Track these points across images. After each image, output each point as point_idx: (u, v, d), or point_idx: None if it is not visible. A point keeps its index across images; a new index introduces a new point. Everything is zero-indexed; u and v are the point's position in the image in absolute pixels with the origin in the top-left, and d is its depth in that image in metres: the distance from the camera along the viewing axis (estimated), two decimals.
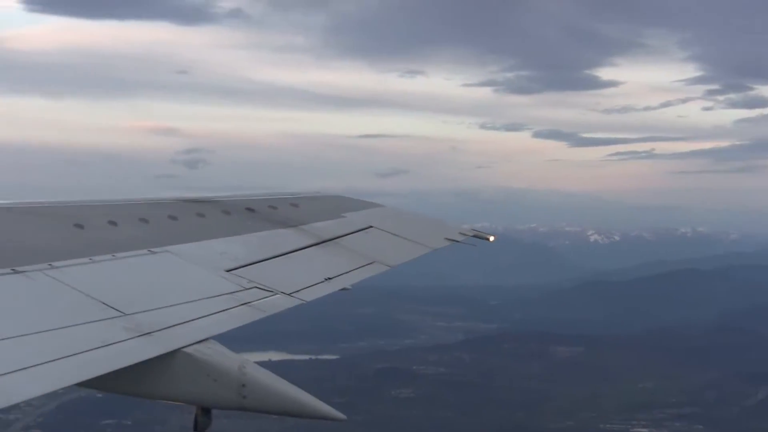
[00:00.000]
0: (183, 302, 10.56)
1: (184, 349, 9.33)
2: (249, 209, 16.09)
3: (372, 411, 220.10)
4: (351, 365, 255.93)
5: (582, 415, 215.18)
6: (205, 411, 9.94)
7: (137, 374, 8.98)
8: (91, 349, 8.32)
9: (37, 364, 7.60)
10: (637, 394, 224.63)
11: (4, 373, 7.27)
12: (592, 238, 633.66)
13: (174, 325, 9.75)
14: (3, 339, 7.81)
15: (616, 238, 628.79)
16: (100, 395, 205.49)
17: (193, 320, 10.10)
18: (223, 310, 10.82)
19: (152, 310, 9.92)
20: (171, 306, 10.31)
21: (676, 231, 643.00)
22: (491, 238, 20.92)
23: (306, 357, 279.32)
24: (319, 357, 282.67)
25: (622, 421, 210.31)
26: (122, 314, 9.40)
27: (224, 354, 9.78)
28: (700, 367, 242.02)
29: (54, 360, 7.78)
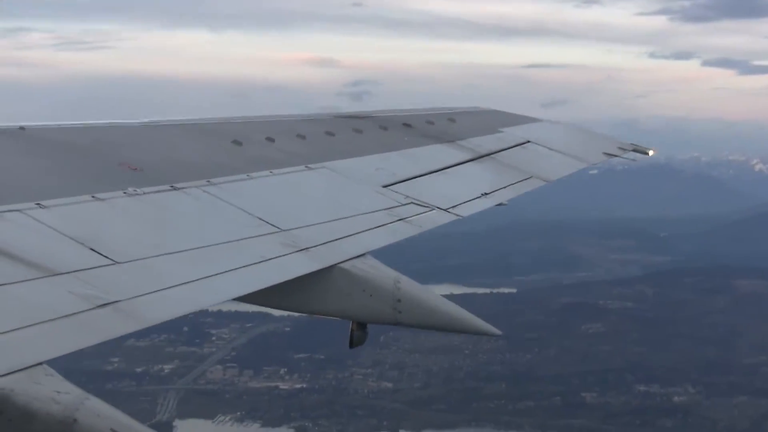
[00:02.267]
0: (340, 218, 10.69)
1: (341, 265, 9.57)
2: (406, 125, 16.11)
3: (563, 345, 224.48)
4: (532, 299, 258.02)
5: None
6: (361, 326, 10.40)
7: (294, 289, 9.29)
8: (250, 265, 8.59)
9: (197, 279, 7.90)
10: None
11: (166, 288, 7.51)
12: (757, 168, 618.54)
13: (331, 241, 9.87)
14: (163, 254, 8.06)
15: None
16: (288, 329, 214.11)
17: (349, 236, 10.24)
18: (380, 226, 10.95)
19: (309, 225, 10.06)
20: (328, 221, 10.46)
21: None
22: (651, 152, 20.76)
23: (484, 290, 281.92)
24: (497, 290, 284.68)
25: None
26: (279, 230, 9.58)
27: (380, 269, 10.01)
28: None
29: (213, 275, 8.12)
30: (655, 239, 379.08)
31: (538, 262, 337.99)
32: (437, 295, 10.61)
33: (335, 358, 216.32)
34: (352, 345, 10.58)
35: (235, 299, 8.65)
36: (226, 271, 8.33)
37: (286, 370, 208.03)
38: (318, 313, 10.02)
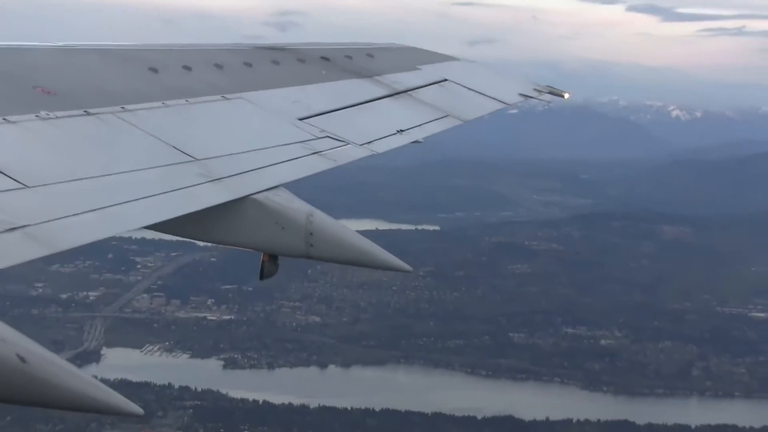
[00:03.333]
0: (255, 149, 10.65)
1: (254, 196, 9.52)
2: (324, 58, 15.84)
3: (491, 285, 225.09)
4: (459, 237, 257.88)
5: (699, 297, 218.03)
6: (272, 258, 10.32)
7: (207, 219, 9.30)
8: (163, 193, 8.48)
9: (109, 206, 7.76)
10: (752, 278, 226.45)
11: (77, 214, 7.36)
12: (673, 114, 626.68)
13: (245, 172, 9.84)
14: (75, 180, 7.90)
15: (698, 114, 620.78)
16: (214, 259, 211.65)
17: (264, 167, 10.19)
18: (295, 159, 10.92)
19: (223, 156, 9.98)
20: (242, 153, 10.40)
21: (759, 109, 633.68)
22: (566, 96, 20.67)
23: (408, 227, 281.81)
24: (421, 227, 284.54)
25: (739, 305, 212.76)
26: (194, 159, 9.48)
27: (293, 202, 9.97)
28: None
29: (126, 202, 7.96)
30: (576, 181, 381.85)
31: (462, 201, 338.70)
32: (350, 230, 10.50)
33: (263, 290, 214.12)
34: (262, 277, 10.65)
35: (147, 227, 8.42)
36: (138, 199, 8.12)
37: (213, 301, 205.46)
38: (231, 244, 9.96)
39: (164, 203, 8.33)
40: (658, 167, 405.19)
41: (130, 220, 7.98)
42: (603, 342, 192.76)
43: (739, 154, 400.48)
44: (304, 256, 10.10)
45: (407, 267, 10.73)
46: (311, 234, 9.85)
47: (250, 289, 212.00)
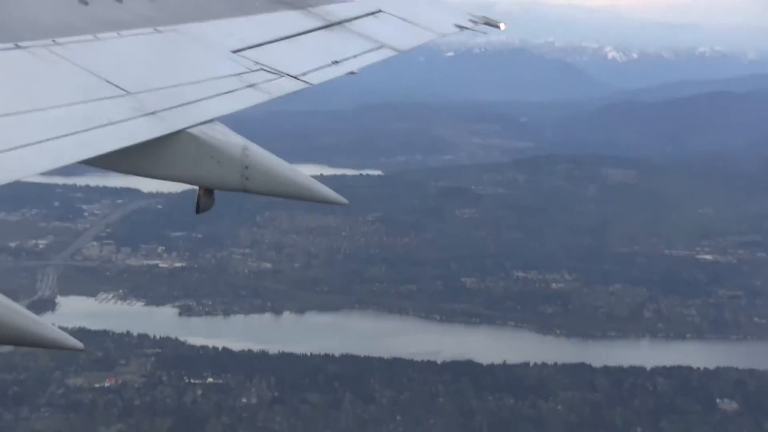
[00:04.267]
0: (189, 82, 10.61)
1: (189, 130, 9.46)
2: None
3: (440, 229, 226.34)
4: (405, 182, 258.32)
5: (646, 241, 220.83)
6: (208, 192, 10.36)
7: (142, 154, 9.19)
8: (96, 128, 8.42)
9: (41, 141, 7.71)
10: (698, 221, 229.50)
11: (6, 150, 7.31)
12: (609, 55, 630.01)
13: (179, 105, 9.78)
14: (5, 115, 7.80)
15: (635, 55, 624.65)
16: (161, 206, 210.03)
17: (198, 101, 10.17)
18: (229, 92, 10.85)
19: (157, 89, 9.90)
20: (176, 86, 10.33)
21: (695, 50, 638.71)
22: (502, 26, 20.57)
23: (352, 172, 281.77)
24: (364, 172, 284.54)
25: (686, 248, 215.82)
26: (127, 93, 9.39)
27: (228, 136, 9.93)
28: (757, 193, 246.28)
29: (59, 137, 7.90)
30: (515, 124, 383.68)
31: (402, 144, 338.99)
32: (286, 164, 10.49)
33: (212, 236, 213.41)
34: (198, 211, 10.57)
35: (82, 162, 8.37)
36: (71, 134, 8.07)
37: (163, 248, 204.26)
38: (166, 178, 9.91)
39: (98, 138, 8.28)
40: (596, 109, 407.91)
41: (65, 156, 7.86)
42: (554, 285, 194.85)
43: (676, 95, 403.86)
44: (241, 190, 10.04)
45: (343, 200, 10.77)
46: (247, 167, 9.85)
47: (200, 236, 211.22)
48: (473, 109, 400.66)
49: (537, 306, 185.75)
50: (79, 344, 7.88)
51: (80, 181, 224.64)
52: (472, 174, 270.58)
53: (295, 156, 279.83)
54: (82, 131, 8.14)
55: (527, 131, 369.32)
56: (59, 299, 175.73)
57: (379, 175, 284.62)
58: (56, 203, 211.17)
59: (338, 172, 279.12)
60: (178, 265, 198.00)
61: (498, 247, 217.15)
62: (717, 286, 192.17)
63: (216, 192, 10.34)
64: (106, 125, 8.50)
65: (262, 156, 10.06)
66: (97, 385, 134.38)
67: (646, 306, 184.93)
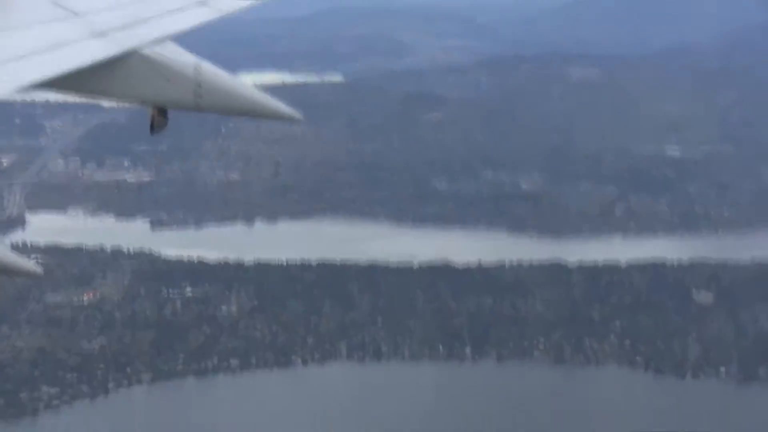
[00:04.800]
0: (139, 2, 10.52)
1: (140, 50, 9.45)
2: None
3: (407, 134, 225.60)
4: (368, 87, 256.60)
5: (613, 139, 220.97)
6: (162, 112, 10.45)
7: (93, 75, 9.14)
8: (47, 50, 8.36)
9: None
10: (664, 117, 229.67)
11: None
12: None
13: (129, 25, 9.72)
14: None
15: None
16: (123, 120, 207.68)
17: (148, 20, 10.06)
18: (180, 10, 10.77)
19: (107, 10, 9.82)
20: (126, 6, 10.24)
21: None
22: None
23: (313, 79, 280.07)
24: (326, 79, 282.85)
25: (654, 145, 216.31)
26: (76, 15, 9.30)
27: (180, 54, 9.94)
28: (721, 88, 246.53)
29: (10, 61, 7.87)
30: (474, 25, 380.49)
31: (360, 49, 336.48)
32: (239, 81, 10.42)
33: (177, 149, 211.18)
34: (152, 131, 10.82)
35: (35, 86, 8.21)
36: (21, 57, 7.99)
37: (129, 162, 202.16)
38: (120, 99, 9.97)
39: (50, 61, 8.13)
40: (553, 8, 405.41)
41: (15, 79, 7.72)
42: (524, 186, 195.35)
43: None
44: (194, 109, 10.07)
45: (297, 115, 10.72)
46: (199, 86, 9.87)
47: (165, 148, 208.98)
48: (429, 10, 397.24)
49: (508, 207, 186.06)
50: (38, 270, 8.22)
51: (39, 96, 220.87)
52: (435, 77, 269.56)
53: (253, 64, 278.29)
54: (32, 54, 8.00)
55: (486, 32, 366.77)
56: (28, 216, 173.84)
57: (340, 82, 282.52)
58: (17, 120, 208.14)
59: (299, 79, 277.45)
60: (145, 178, 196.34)
61: (466, 149, 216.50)
62: (686, 181, 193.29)
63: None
64: (57, 47, 8.35)
65: (215, 74, 9.99)
66: (76, 301, 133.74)
67: (616, 204, 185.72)
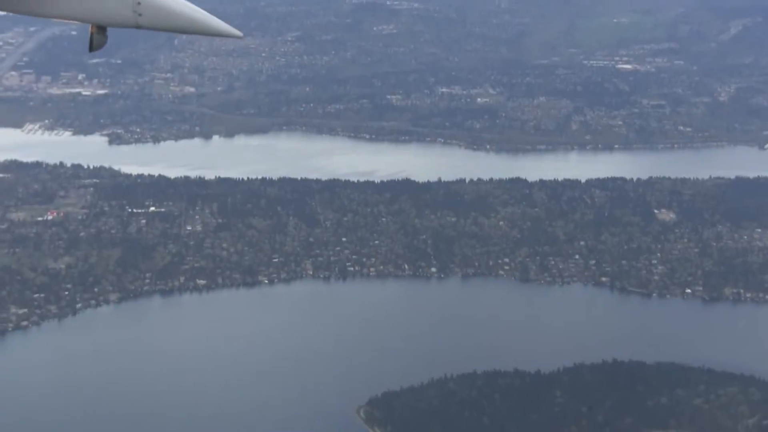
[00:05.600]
0: None
1: None
2: None
3: (360, 47, 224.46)
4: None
5: (565, 51, 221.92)
6: (101, 30, 10.62)
7: None
8: None
9: None
10: (614, 30, 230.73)
11: None
12: None
13: None
14: None
15: None
16: (75, 32, 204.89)
17: None
18: None
19: None
20: None
21: None
22: None
23: None
24: None
25: (604, 57, 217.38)
26: None
27: None
28: (670, 1, 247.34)
29: None
30: None
31: None
32: None
33: (131, 62, 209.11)
34: (91, 49, 10.97)
35: None
36: None
37: (84, 75, 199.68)
38: (57, 17, 10.13)
39: None
40: None
41: None
42: (479, 100, 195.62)
43: None
44: (134, 26, 10.28)
45: (238, 33, 11.09)
46: (139, 3, 10.05)
47: (119, 62, 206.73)
48: None
49: (465, 121, 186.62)
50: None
51: None
52: None
53: None
54: None
55: None
56: None
57: None
58: None
59: None
60: (100, 92, 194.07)
61: (419, 62, 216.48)
62: (639, 95, 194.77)
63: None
64: None
65: None
66: (39, 219, 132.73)
67: (572, 118, 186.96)
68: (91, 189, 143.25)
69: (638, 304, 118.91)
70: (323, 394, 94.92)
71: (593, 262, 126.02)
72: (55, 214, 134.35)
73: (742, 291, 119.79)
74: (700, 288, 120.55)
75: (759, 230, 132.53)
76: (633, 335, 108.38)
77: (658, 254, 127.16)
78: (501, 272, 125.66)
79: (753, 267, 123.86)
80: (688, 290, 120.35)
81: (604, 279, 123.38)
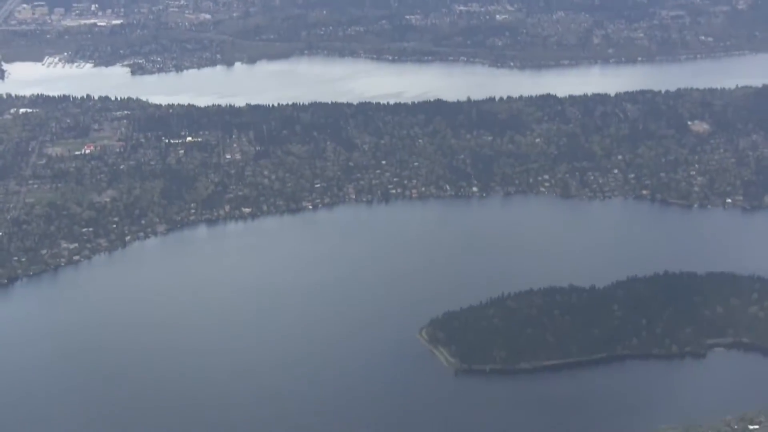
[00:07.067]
0: None
1: None
2: None
3: None
4: None
5: None
6: None
7: None
8: None
9: None
10: None
11: None
12: None
13: None
14: None
15: None
16: None
17: None
18: None
19: None
20: None
21: None
22: None
23: None
24: None
25: None
26: None
27: None
28: None
29: None
30: None
31: None
32: None
33: None
34: None
35: None
36: None
37: (97, 6, 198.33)
38: None
39: None
40: None
41: None
42: (498, 17, 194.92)
43: None
44: None
45: None
46: None
47: None
48: None
49: (486, 39, 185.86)
50: None
51: None
52: None
53: None
54: None
55: None
56: (5, 66, 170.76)
57: None
58: None
59: None
60: (116, 22, 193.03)
61: None
62: (657, 6, 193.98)
63: None
64: None
65: None
66: (77, 153, 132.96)
67: (593, 32, 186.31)
68: (125, 121, 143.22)
69: (681, 216, 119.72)
70: (383, 318, 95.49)
71: (632, 175, 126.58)
72: (92, 147, 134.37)
73: None
74: (740, 197, 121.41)
75: None
76: (680, 247, 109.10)
77: (696, 165, 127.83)
78: (542, 189, 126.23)
79: None
80: (729, 200, 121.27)
81: (644, 192, 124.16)
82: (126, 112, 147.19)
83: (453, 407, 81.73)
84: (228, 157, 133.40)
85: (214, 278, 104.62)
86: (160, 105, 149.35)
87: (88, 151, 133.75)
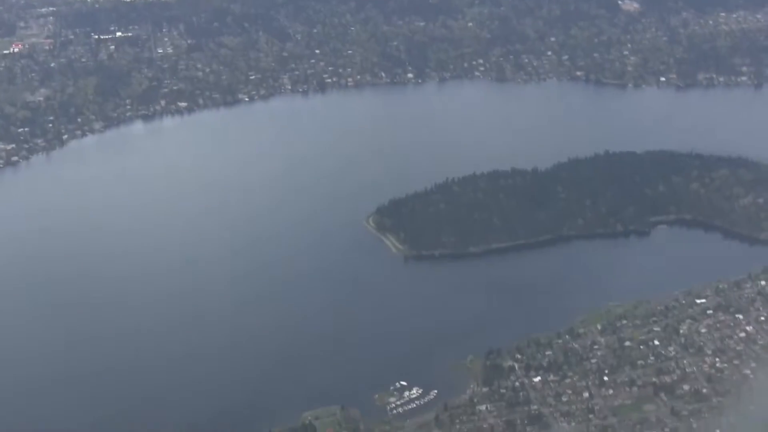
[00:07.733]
0: None
1: None
2: None
3: None
4: None
5: None
6: None
7: None
8: None
9: None
10: None
11: None
12: None
13: None
14: None
15: None
16: None
17: None
18: None
19: None
20: None
21: None
22: None
23: None
24: None
25: None
26: None
27: None
28: None
29: None
30: None
31: None
32: None
33: None
34: None
35: None
36: None
37: None
38: None
39: None
40: None
41: None
42: None
43: None
44: None
45: None
46: None
47: None
48: None
49: None
50: None
51: None
52: None
53: None
54: None
55: None
56: None
57: None
58: None
59: None
60: None
61: None
62: None
63: None
64: None
65: None
66: (6, 52, 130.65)
67: None
68: (51, 18, 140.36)
69: (616, 96, 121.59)
70: (328, 208, 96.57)
71: (566, 57, 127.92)
72: (20, 46, 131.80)
73: (714, 75, 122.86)
74: (674, 75, 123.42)
75: (723, 14, 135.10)
76: (618, 127, 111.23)
77: (629, 45, 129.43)
78: (477, 74, 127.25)
79: (722, 51, 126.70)
80: (662, 78, 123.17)
81: (578, 73, 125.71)
82: (52, 8, 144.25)
83: (405, 292, 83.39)
84: (160, 51, 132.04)
85: (156, 175, 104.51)
86: (86, 0, 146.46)
87: (16, 50, 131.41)
